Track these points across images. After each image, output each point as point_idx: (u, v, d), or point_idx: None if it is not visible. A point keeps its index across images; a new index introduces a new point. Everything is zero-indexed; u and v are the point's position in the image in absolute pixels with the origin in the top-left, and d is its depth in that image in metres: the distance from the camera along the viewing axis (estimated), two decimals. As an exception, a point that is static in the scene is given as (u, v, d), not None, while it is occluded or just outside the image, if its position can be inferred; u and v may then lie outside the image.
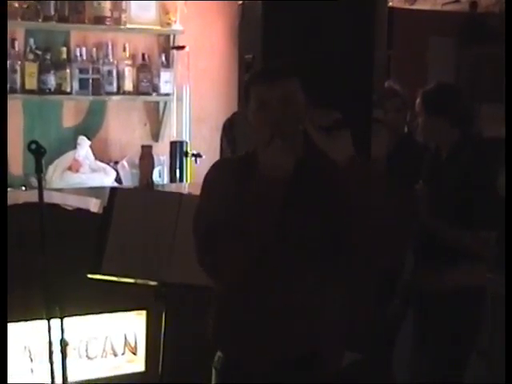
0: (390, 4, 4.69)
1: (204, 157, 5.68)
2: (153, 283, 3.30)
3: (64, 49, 5.67)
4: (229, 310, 2.75)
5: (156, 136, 6.06)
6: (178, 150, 5.80)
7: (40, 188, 3.04)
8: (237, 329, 2.72)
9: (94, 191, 4.58)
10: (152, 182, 5.20)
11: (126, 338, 3.83)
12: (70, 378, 3.07)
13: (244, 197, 2.56)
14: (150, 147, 5.24)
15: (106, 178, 5.74)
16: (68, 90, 5.63)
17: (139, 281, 3.30)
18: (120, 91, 5.81)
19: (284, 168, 2.52)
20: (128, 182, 5.75)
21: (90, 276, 3.25)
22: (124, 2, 5.74)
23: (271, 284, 2.65)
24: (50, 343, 3.02)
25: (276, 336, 2.66)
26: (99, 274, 3.25)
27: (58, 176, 5.64)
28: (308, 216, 2.65)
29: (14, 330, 3.60)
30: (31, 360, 3.65)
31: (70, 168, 5.70)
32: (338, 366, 2.79)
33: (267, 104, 2.61)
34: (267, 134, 2.55)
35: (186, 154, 5.77)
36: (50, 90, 5.58)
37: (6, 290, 2.64)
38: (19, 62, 5.50)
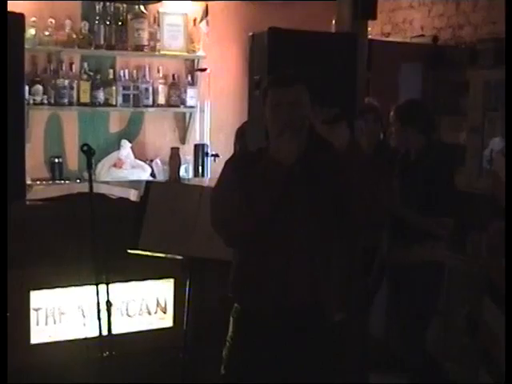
0: (370, 37, 4.63)
1: (221, 157, 5.64)
2: (179, 257, 3.29)
3: (111, 71, 5.64)
4: (243, 267, 2.71)
5: (183, 140, 6.04)
6: (200, 151, 5.77)
7: (90, 181, 3.02)
8: (249, 282, 2.69)
9: (134, 184, 4.55)
10: (179, 176, 5.16)
11: (157, 300, 3.81)
12: (113, 331, 3.07)
13: (254, 175, 2.55)
14: (177, 149, 5.16)
15: (143, 173, 5.72)
16: (114, 103, 5.60)
17: (168, 255, 3.28)
18: (155, 104, 5.78)
19: (290, 154, 2.53)
20: (160, 176, 5.72)
21: (129, 251, 3.23)
22: (158, 32, 5.71)
23: (278, 245, 2.62)
24: (98, 303, 3.02)
25: (283, 288, 2.62)
26: (137, 249, 3.24)
27: (105, 171, 5.61)
28: (311, 190, 2.64)
29: (70, 293, 3.60)
30: (83, 317, 3.63)
31: (114, 165, 5.67)
32: (332, 318, 2.76)
33: (281, 105, 2.62)
34: (279, 128, 2.58)
35: (207, 154, 5.74)
36: (99, 103, 5.55)
37: (6, 289, 2.54)
38: (76, 81, 5.47)
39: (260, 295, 2.66)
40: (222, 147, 5.67)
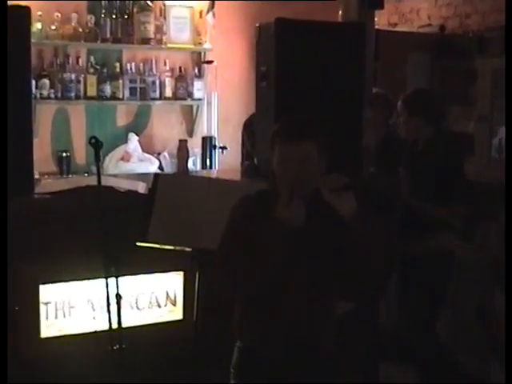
0: (377, 27, 4.60)
1: (228, 149, 5.64)
2: (188, 249, 3.27)
3: (117, 64, 5.62)
4: (245, 313, 2.71)
5: (190, 132, 6.02)
6: (208, 144, 5.76)
7: (98, 174, 3.01)
8: (252, 325, 2.69)
9: (142, 176, 4.54)
10: (187, 168, 5.15)
11: (167, 293, 3.79)
12: (123, 324, 3.05)
13: (261, 238, 2.53)
14: (185, 141, 5.16)
15: (150, 166, 5.70)
16: (120, 96, 5.59)
17: (177, 247, 3.26)
18: (162, 97, 5.76)
19: (298, 221, 2.49)
20: (168, 169, 5.71)
21: (138, 244, 3.21)
22: (164, 25, 5.69)
23: (280, 294, 2.60)
24: (108, 297, 3.00)
25: (282, 330, 2.62)
26: (146, 242, 3.21)
27: (113, 165, 5.60)
28: (315, 250, 2.60)
29: (80, 286, 3.59)
30: (93, 310, 3.62)
31: (122, 158, 5.65)
32: (329, 352, 2.74)
33: (289, 160, 2.53)
34: (287, 193, 2.51)
35: (214, 146, 5.73)
36: (106, 96, 5.53)
37: (6, 291, 2.47)
38: (82, 75, 5.46)
39: (261, 340, 2.66)
40: (230, 139, 5.66)
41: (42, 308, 3.53)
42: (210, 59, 5.83)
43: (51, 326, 3.56)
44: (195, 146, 5.77)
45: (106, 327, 3.02)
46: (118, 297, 3.01)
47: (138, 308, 3.74)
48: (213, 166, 5.74)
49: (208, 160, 5.75)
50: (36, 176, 4.28)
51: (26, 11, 3.56)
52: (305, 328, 2.64)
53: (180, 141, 5.53)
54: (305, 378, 2.65)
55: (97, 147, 2.96)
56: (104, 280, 2.97)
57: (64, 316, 3.58)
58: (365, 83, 3.95)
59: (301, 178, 2.53)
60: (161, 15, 5.71)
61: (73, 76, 5.40)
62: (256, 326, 2.67)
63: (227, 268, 2.60)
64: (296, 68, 3.65)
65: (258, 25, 3.96)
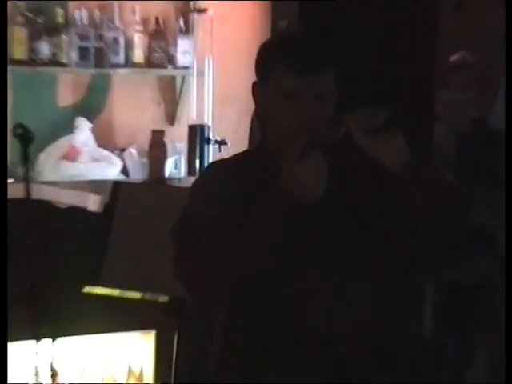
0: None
1: (229, 144, 5.65)
2: (162, 298, 3.32)
3: (60, 11, 5.63)
4: (232, 334, 2.73)
5: (171, 118, 6.04)
6: (198, 136, 5.77)
7: (27, 180, 3.05)
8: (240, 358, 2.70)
9: (94, 185, 4.58)
10: (164, 173, 5.19)
11: (129, 367, 3.84)
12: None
13: (253, 214, 2.49)
14: (162, 132, 5.21)
15: (109, 169, 5.71)
16: (64, 60, 5.61)
17: (146, 295, 3.31)
18: (128, 63, 5.78)
19: (318, 188, 2.43)
20: (136, 173, 5.72)
21: (86, 290, 3.26)
22: (133, -46, 5.75)
23: (281, 309, 2.60)
24: (37, 371, 3.03)
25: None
26: (98, 286, 3.26)
27: (50, 166, 5.62)
28: (350, 229, 2.60)
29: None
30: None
31: (65, 156, 5.67)
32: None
33: (297, 97, 2.53)
34: (300, 141, 2.46)
35: (208, 140, 5.74)
36: (42, 60, 5.56)
37: (6, 290, 2.64)
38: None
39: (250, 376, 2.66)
40: (232, 129, 5.69)
41: None
42: (202, 7, 5.86)
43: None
44: (178, 140, 5.82)
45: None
46: (52, 371, 3.05)
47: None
48: (205, 171, 5.76)
49: (197, 161, 5.76)
50: None
51: None
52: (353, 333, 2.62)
53: (154, 131, 5.57)
54: None
55: (25, 140, 3.01)
56: (32, 343, 3.00)
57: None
58: (437, 47, 3.99)
59: (319, 122, 2.51)
60: None
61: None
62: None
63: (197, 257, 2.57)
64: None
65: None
